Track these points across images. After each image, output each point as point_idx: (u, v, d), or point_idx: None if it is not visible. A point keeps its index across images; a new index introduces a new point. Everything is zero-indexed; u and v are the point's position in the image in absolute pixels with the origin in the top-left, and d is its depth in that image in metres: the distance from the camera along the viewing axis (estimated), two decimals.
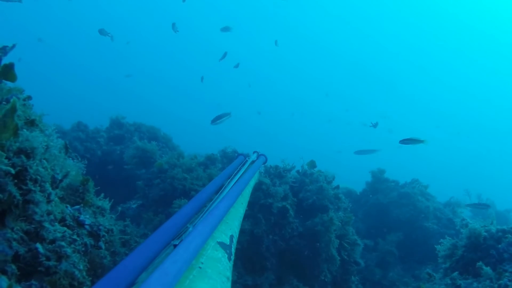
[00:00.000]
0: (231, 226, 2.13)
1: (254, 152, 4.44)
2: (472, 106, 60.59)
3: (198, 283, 1.41)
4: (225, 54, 14.03)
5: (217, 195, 2.40)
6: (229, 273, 1.69)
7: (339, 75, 64.56)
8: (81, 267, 2.17)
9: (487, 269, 3.83)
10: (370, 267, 8.06)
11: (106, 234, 2.57)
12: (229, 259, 1.80)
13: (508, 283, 3.64)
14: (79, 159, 2.86)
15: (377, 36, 65.14)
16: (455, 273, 4.13)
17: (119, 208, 4.24)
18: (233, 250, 1.95)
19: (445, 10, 62.75)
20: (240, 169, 3.24)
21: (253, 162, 3.92)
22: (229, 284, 1.61)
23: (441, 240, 4.74)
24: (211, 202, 2.26)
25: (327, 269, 5.93)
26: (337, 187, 6.53)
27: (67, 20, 52.02)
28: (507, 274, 3.77)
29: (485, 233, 4.26)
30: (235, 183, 2.71)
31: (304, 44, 65.80)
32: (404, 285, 7.67)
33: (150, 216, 5.65)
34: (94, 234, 2.48)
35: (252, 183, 3.54)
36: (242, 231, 5.66)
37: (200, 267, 1.51)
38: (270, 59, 60.11)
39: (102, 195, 2.87)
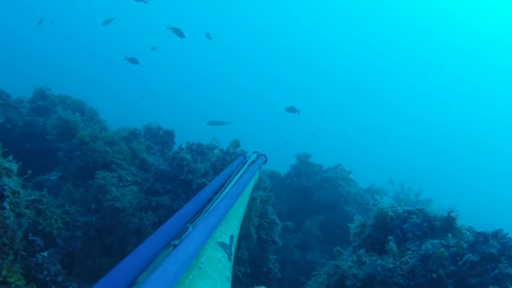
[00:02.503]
0: (231, 226, 2.19)
1: (254, 152, 4.47)
2: (402, 97, 62.41)
3: (198, 283, 1.46)
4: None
5: (217, 195, 2.43)
6: (229, 273, 1.76)
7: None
8: None
9: (392, 245, 4.02)
10: (290, 248, 8.25)
11: (11, 195, 2.56)
12: (229, 259, 1.87)
13: (409, 260, 3.83)
14: None
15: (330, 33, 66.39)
16: (362, 250, 4.31)
17: (28, 172, 4.15)
18: (233, 250, 2.01)
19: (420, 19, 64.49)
20: (240, 169, 3.28)
21: (253, 162, 3.95)
22: (229, 284, 1.68)
23: (354, 217, 4.93)
24: (211, 202, 2.29)
25: (244, 247, 6.03)
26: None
27: None
28: (409, 252, 3.97)
29: (392, 213, 4.45)
30: (235, 183, 2.74)
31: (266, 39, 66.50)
32: (321, 266, 7.88)
33: (69, 187, 5.59)
34: None
35: (252, 183, 3.58)
36: (161, 206, 5.70)
37: (200, 267, 1.57)
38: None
39: (11, 157, 2.83)
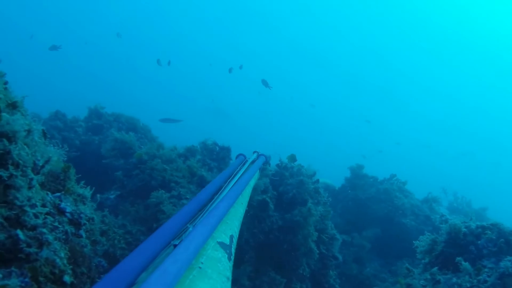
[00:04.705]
0: (231, 226, 2.15)
1: (254, 152, 4.43)
2: (449, 106, 61.58)
3: (198, 283, 1.42)
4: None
5: (217, 195, 2.40)
6: (229, 273, 1.71)
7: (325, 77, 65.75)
8: (62, 255, 2.13)
9: (466, 265, 3.85)
10: (348, 262, 8.09)
11: (87, 223, 2.53)
12: (229, 259, 1.82)
13: (487, 278, 3.67)
14: (60, 145, 2.81)
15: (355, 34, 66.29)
16: (435, 268, 4.15)
17: (98, 197, 4.15)
18: (233, 250, 1.97)
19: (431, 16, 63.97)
20: (240, 169, 3.24)
21: (253, 162, 3.91)
22: (229, 284, 1.63)
23: (420, 236, 4.76)
24: (211, 202, 2.26)
25: (306, 263, 5.93)
26: (317, 181, 6.52)
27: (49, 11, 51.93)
28: (486, 270, 3.79)
29: (465, 229, 4.29)
30: (235, 183, 2.71)
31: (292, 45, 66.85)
32: (381, 280, 7.71)
33: (127, 207, 5.60)
34: (75, 222, 2.43)
35: (252, 183, 3.53)
36: None
37: (200, 267, 1.53)
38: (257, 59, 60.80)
39: (83, 182, 2.82)
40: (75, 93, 43.52)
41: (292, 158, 6.58)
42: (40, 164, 2.24)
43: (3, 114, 1.89)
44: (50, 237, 2.03)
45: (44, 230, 2.02)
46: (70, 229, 2.36)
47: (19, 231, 1.90)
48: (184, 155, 6.75)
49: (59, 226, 2.22)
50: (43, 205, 2.19)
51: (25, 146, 2.04)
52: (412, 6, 64.79)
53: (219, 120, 51.20)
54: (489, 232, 4.18)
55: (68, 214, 2.40)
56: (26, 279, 1.84)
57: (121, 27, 52.60)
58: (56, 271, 2.06)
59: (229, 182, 2.73)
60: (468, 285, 3.71)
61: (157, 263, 1.39)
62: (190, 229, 1.72)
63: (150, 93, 54.44)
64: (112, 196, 6.13)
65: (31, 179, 2.04)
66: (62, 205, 2.39)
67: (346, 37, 67.51)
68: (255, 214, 5.77)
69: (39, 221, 2.02)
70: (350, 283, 7.84)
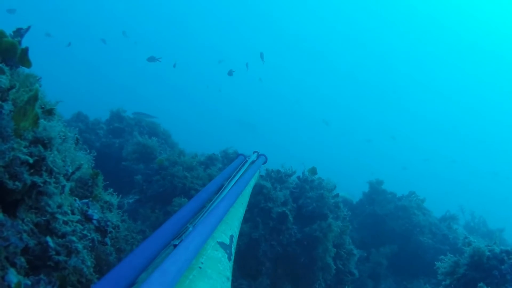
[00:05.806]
0: (231, 226, 2.14)
1: (254, 152, 4.42)
2: (468, 121, 61.12)
3: (198, 283, 1.42)
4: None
5: (217, 195, 2.39)
6: (229, 273, 1.70)
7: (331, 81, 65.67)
8: (89, 263, 2.12)
9: None
10: (363, 278, 8.04)
11: (113, 230, 2.52)
12: (229, 259, 1.82)
13: None
14: (88, 151, 2.81)
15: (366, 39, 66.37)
16: None
17: (125, 204, 4.15)
18: (233, 250, 1.97)
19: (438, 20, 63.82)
20: (240, 169, 3.22)
21: (253, 162, 3.89)
22: (229, 284, 1.63)
23: (442, 256, 4.70)
24: (211, 202, 2.25)
25: (322, 278, 5.89)
26: (337, 195, 6.48)
27: (70, 16, 52.45)
28: None
29: (489, 253, 4.23)
30: (235, 183, 2.69)
31: (301, 48, 66.94)
32: None
33: (147, 212, 5.60)
34: (101, 230, 2.42)
35: (252, 183, 3.51)
36: (240, 234, 5.62)
37: (200, 267, 1.53)
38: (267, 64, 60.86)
39: (111, 189, 2.81)
40: (90, 93, 43.98)
41: (313, 171, 6.55)
42: (71, 171, 2.24)
43: (41, 120, 1.89)
44: (79, 246, 2.02)
45: (74, 238, 2.01)
46: (96, 236, 2.35)
47: (48, 238, 1.89)
48: (205, 163, 6.75)
49: (88, 234, 2.21)
50: (72, 212, 2.19)
51: (57, 152, 2.04)
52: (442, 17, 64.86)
53: (239, 129, 51.28)
54: None
55: (95, 221, 2.39)
56: None
57: (141, 32, 53.25)
58: (83, 280, 2.06)
59: (229, 182, 2.73)
60: None
61: (157, 263, 1.40)
62: (190, 229, 1.73)
63: (170, 99, 54.78)
64: (131, 201, 6.14)
65: (64, 186, 2.04)
66: (89, 212, 2.38)
67: (366, 49, 67.50)
68: (274, 226, 5.74)
69: (69, 228, 2.01)
70: None
